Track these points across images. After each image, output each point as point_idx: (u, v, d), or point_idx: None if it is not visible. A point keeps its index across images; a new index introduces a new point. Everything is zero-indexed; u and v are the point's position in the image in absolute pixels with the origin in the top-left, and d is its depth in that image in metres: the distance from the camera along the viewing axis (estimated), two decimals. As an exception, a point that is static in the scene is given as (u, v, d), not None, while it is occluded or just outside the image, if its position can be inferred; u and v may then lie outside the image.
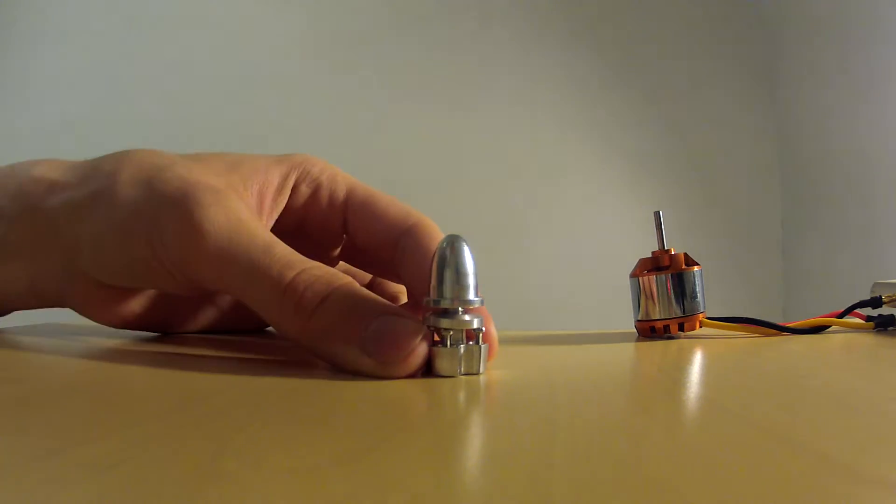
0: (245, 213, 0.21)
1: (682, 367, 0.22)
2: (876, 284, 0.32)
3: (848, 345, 0.26)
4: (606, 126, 1.31)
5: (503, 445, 0.11)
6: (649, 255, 0.32)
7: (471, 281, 0.19)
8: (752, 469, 0.09)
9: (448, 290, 0.19)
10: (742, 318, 0.30)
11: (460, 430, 0.13)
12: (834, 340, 0.28)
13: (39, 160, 0.26)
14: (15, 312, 0.27)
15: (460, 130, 1.23)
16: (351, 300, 0.19)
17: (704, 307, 0.31)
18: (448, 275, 0.19)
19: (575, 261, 1.39)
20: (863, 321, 0.31)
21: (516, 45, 1.27)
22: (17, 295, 0.25)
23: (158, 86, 1.28)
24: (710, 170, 1.51)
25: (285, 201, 0.28)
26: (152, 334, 0.29)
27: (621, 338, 0.31)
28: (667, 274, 0.31)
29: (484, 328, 0.19)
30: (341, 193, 0.29)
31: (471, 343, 0.19)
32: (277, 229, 0.27)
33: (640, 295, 0.31)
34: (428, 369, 0.19)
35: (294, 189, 0.28)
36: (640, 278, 0.31)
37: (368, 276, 0.32)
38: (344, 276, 0.20)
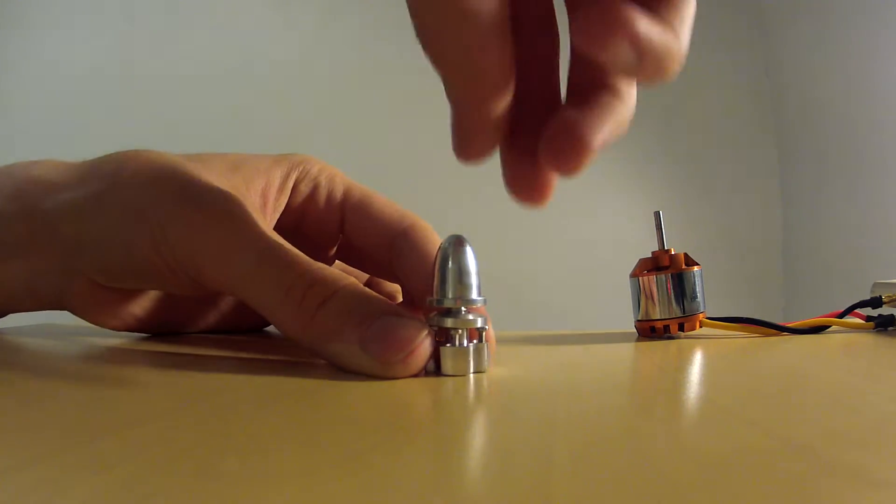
0: (249, 213, 0.21)
1: (682, 367, 0.22)
2: (876, 284, 0.32)
3: (848, 345, 0.26)
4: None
5: (503, 445, 0.11)
6: (649, 255, 0.32)
7: (474, 280, 0.19)
8: (751, 469, 0.09)
9: (451, 289, 0.19)
10: (742, 318, 0.30)
11: (460, 429, 0.13)
12: (834, 340, 0.28)
13: (37, 161, 0.26)
14: (14, 314, 0.27)
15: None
16: (353, 300, 0.19)
17: (704, 307, 0.31)
18: (451, 274, 0.19)
19: (575, 261, 1.39)
20: (863, 321, 0.31)
21: None
22: (13, 296, 0.25)
23: (158, 85, 1.28)
24: (710, 170, 1.51)
25: (286, 200, 0.28)
26: (152, 334, 0.29)
27: (621, 338, 0.31)
28: (667, 274, 0.31)
29: (487, 327, 0.19)
30: (339, 193, 0.29)
31: (476, 342, 0.19)
32: (276, 228, 0.27)
33: (640, 295, 0.31)
34: (437, 369, 0.19)
35: (294, 188, 0.28)
36: (640, 278, 0.31)
37: (366, 276, 0.32)
38: (346, 276, 0.20)
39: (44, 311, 0.26)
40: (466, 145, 0.18)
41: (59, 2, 1.27)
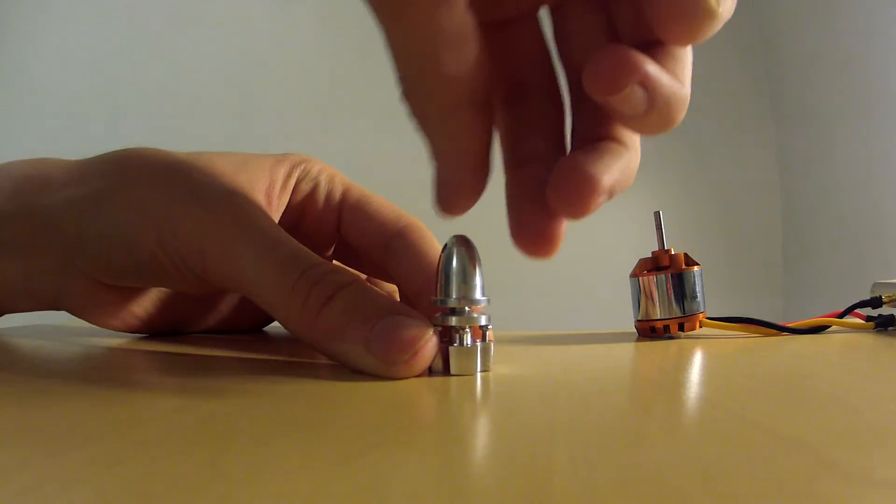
0: (255, 212, 0.21)
1: (682, 367, 0.22)
2: (876, 284, 0.32)
3: (848, 345, 0.26)
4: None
5: (503, 445, 0.11)
6: (649, 255, 0.32)
7: (478, 280, 0.19)
8: (751, 469, 0.09)
9: (455, 289, 0.19)
10: (742, 318, 0.30)
11: (460, 429, 0.13)
12: (834, 340, 0.28)
13: (36, 159, 0.26)
14: (11, 315, 0.27)
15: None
16: (358, 299, 0.19)
17: (704, 307, 0.31)
18: (455, 274, 0.19)
19: (575, 261, 1.39)
20: (863, 321, 0.31)
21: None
22: (10, 296, 0.25)
23: (159, 85, 1.28)
24: (710, 170, 1.51)
25: (287, 199, 0.28)
26: (152, 334, 0.29)
27: (621, 338, 0.31)
28: (667, 274, 0.31)
29: (491, 326, 0.19)
30: (338, 194, 0.29)
31: (481, 341, 0.19)
32: None
33: (640, 295, 0.31)
34: (443, 369, 0.19)
35: (295, 187, 0.28)
36: (640, 278, 0.31)
37: (364, 276, 0.32)
38: (351, 274, 0.20)
39: (41, 312, 0.26)
40: (447, 200, 0.19)
41: (59, 1, 1.27)
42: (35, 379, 0.18)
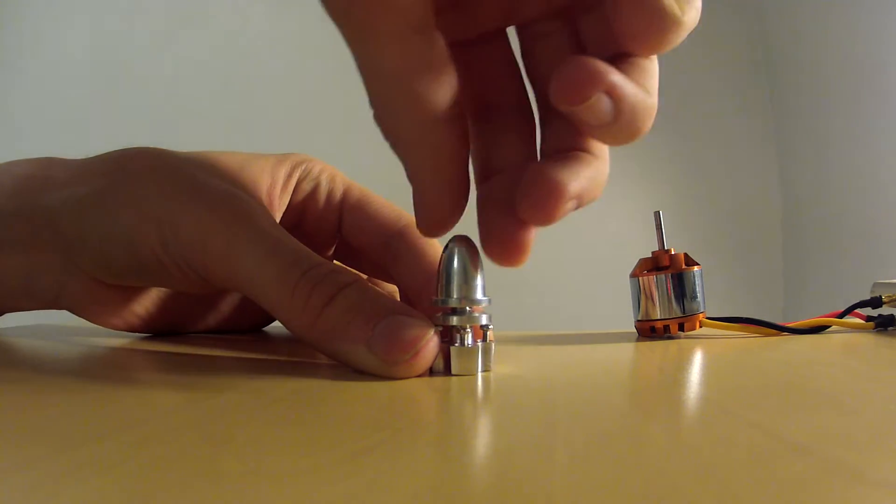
0: (257, 212, 0.21)
1: (682, 367, 0.22)
2: (876, 284, 0.32)
3: (848, 345, 0.26)
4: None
5: (503, 445, 0.11)
6: (649, 255, 0.32)
7: (478, 280, 0.19)
8: (751, 469, 0.09)
9: (456, 289, 0.19)
10: (742, 318, 0.30)
11: (461, 429, 0.13)
12: (834, 340, 0.28)
13: (37, 158, 0.26)
14: (14, 314, 0.27)
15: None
16: (359, 299, 0.19)
17: (704, 307, 0.31)
18: (456, 274, 0.19)
19: (575, 261, 1.39)
20: (863, 321, 0.31)
21: (515, 44, 1.27)
22: (10, 295, 0.25)
23: (159, 85, 1.28)
24: (710, 170, 1.51)
25: (289, 199, 0.28)
26: (152, 334, 0.29)
27: (621, 338, 0.31)
28: (667, 274, 0.31)
29: (491, 325, 0.19)
30: (339, 193, 0.29)
31: (482, 341, 0.19)
32: None
33: (640, 295, 0.31)
34: (444, 368, 0.19)
35: (296, 187, 0.28)
36: (640, 278, 0.31)
37: (364, 276, 0.32)
38: (353, 274, 0.20)
39: (41, 312, 0.26)
40: (429, 220, 0.19)
41: (60, 1, 1.27)
42: (35, 379, 0.18)
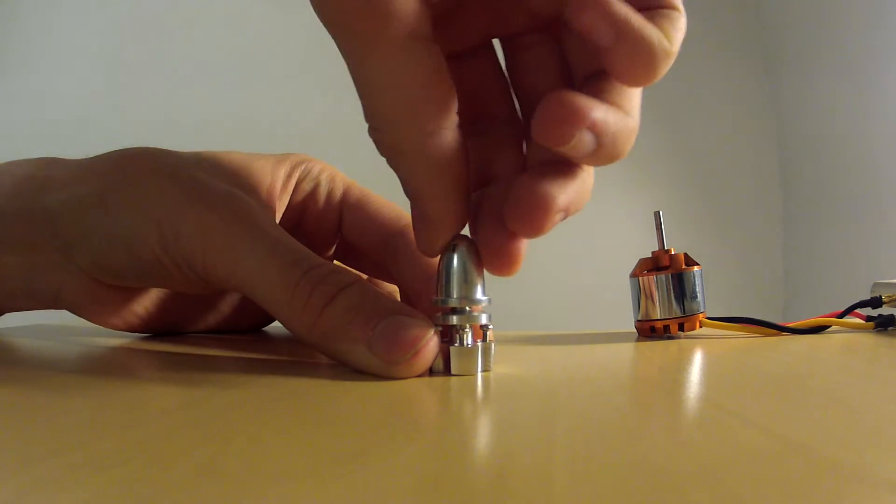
0: (258, 212, 0.21)
1: (682, 367, 0.22)
2: (876, 284, 0.32)
3: (848, 345, 0.26)
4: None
5: (503, 445, 0.11)
6: (649, 255, 0.32)
7: (478, 280, 0.19)
8: (751, 469, 0.09)
9: (456, 289, 0.19)
10: (742, 318, 0.30)
11: (461, 429, 0.13)
12: (834, 340, 0.28)
13: (38, 158, 0.26)
14: (14, 314, 0.27)
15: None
16: (359, 299, 0.19)
17: (704, 307, 0.31)
18: (456, 274, 0.19)
19: (575, 261, 1.39)
20: (863, 321, 0.31)
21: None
22: (10, 295, 0.25)
23: (159, 85, 1.28)
24: (710, 170, 1.51)
25: (288, 199, 0.28)
26: (152, 334, 0.29)
27: (621, 338, 0.31)
28: (667, 274, 0.30)
29: (491, 325, 0.19)
30: (339, 193, 0.29)
31: (482, 341, 0.19)
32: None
33: (640, 295, 0.31)
34: (444, 368, 0.19)
35: (296, 187, 0.28)
36: (640, 278, 0.31)
37: (364, 276, 0.32)
38: (353, 274, 0.20)
39: (41, 312, 0.26)
40: (427, 238, 0.19)
41: (60, 1, 1.27)
42: (35, 379, 0.18)
